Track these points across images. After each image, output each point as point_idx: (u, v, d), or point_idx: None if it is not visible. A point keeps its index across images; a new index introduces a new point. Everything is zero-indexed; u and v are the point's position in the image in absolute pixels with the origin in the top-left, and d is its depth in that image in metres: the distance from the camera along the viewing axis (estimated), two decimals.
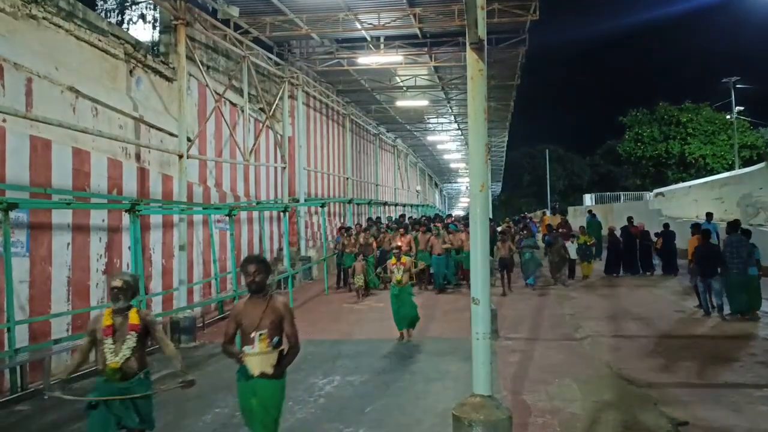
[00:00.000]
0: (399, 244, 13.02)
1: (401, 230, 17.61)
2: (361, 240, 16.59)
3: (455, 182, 70.60)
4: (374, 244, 16.71)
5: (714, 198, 23.43)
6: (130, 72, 11.66)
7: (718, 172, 31.86)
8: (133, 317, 4.89)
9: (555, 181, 60.59)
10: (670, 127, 41.35)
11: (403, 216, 27.10)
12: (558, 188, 62.16)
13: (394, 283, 10.69)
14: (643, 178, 43.33)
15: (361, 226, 19.04)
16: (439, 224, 19.04)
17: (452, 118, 31.13)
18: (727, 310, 11.60)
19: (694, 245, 12.60)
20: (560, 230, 19.29)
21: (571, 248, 17.43)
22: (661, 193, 30.41)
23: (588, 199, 41.85)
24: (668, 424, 6.36)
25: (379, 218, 23.31)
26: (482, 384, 5.05)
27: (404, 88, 24.12)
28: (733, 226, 12.16)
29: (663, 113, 42.01)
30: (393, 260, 10.78)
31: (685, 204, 26.11)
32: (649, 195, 34.47)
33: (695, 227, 13.58)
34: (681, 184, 30.43)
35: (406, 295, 10.73)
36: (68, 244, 9.44)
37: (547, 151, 58.06)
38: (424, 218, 24.39)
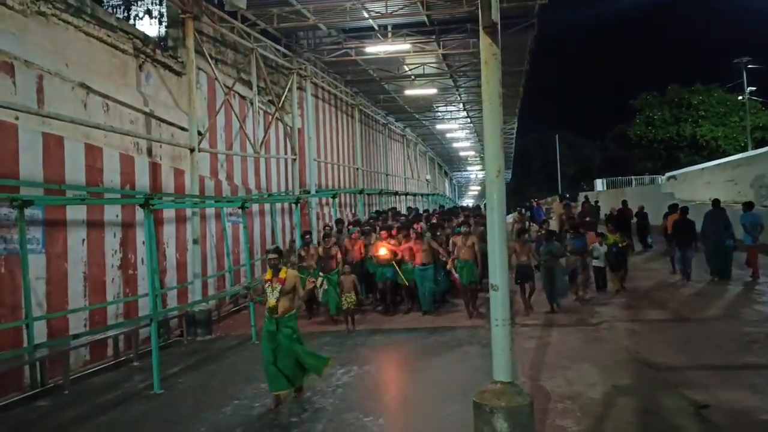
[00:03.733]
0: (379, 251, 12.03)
1: (384, 232, 13.18)
2: (320, 252, 12.24)
3: (465, 171, 70.35)
4: (338, 256, 12.10)
5: (727, 180, 23.20)
6: (140, 67, 11.65)
7: (731, 154, 31.54)
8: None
9: (565, 167, 60.24)
10: (681, 110, 41.02)
11: (411, 210, 22.06)
12: (569, 174, 61.81)
13: (267, 312, 7.19)
14: (654, 162, 43.04)
15: (331, 227, 14.20)
16: (419, 225, 14.24)
17: (461, 106, 30.95)
18: (707, 275, 13.63)
19: (673, 221, 14.48)
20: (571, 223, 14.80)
21: (598, 253, 12.69)
22: (674, 177, 30.17)
23: (599, 184, 41.62)
24: (689, 407, 6.31)
25: (394, 209, 21.91)
26: (503, 370, 5.04)
27: (412, 77, 24.00)
28: (714, 203, 14.27)
29: (674, 96, 41.66)
30: (267, 273, 7.31)
31: (697, 187, 25.88)
32: (661, 178, 34.23)
33: (672, 206, 15.92)
34: (693, 167, 30.15)
35: (285, 333, 7.08)
36: (83, 240, 9.48)
37: (557, 136, 57.71)
38: (436, 212, 20.97)
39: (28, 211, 8.07)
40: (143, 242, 10.45)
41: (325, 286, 11.87)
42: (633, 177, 39.60)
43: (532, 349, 9.05)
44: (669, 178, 30.78)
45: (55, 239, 8.91)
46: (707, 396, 6.56)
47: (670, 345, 8.88)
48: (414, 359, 9.06)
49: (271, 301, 7.11)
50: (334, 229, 14.12)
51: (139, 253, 10.76)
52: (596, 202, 22.09)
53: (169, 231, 11.96)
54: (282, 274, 7.13)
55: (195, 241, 12.20)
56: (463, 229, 12.08)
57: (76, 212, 9.33)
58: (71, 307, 9.08)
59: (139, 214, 10.25)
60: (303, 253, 12.44)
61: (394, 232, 13.10)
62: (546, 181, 65.29)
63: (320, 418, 6.64)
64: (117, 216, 10.31)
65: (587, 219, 17.50)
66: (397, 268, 12.19)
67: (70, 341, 8.58)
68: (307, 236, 12.94)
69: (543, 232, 13.00)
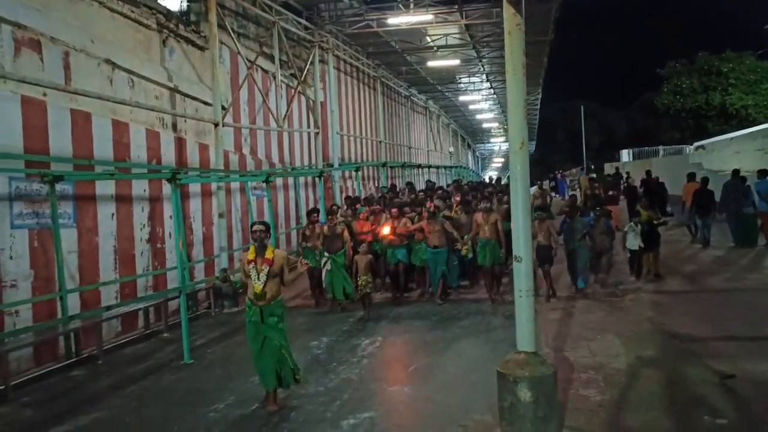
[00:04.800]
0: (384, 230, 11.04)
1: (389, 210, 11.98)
2: (325, 230, 11.09)
3: (488, 143, 69.72)
4: (344, 234, 11.05)
5: (756, 149, 22.71)
6: (163, 42, 11.71)
7: (761, 123, 30.78)
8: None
9: (590, 138, 59.37)
10: (710, 78, 39.96)
11: (430, 183, 20.91)
12: (593, 145, 60.96)
13: (251, 299, 6.19)
14: (682, 132, 42.17)
15: (337, 207, 13.07)
16: (432, 204, 12.19)
17: (484, 77, 30.60)
18: (729, 242, 14.12)
19: (692, 190, 14.92)
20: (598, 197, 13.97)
21: (632, 233, 11.19)
22: (702, 146, 29.61)
23: (625, 154, 41.00)
24: (714, 378, 6.32)
25: (410, 183, 19.91)
26: (527, 340, 5.09)
27: (435, 48, 23.73)
28: (734, 172, 14.93)
29: (703, 63, 40.56)
30: (250, 252, 6.18)
31: (726, 156, 25.38)
32: (688, 148, 33.63)
33: (691, 175, 16.38)
34: (722, 136, 29.52)
35: (270, 323, 6.16)
36: (113, 214, 9.66)
37: (581, 107, 56.79)
38: (466, 185, 19.52)
39: (58, 187, 8.25)
40: (170, 216, 10.63)
41: (329, 267, 10.85)
42: (660, 147, 38.92)
43: (556, 320, 9.08)
44: (697, 147, 30.20)
45: (86, 213, 9.10)
46: (732, 367, 6.56)
47: (694, 316, 8.85)
48: (439, 330, 9.14)
49: (257, 285, 6.05)
50: (343, 207, 13.34)
51: (166, 227, 10.95)
52: (627, 173, 21.65)
53: (195, 205, 12.13)
54: (269, 254, 6.11)
55: (220, 215, 12.36)
56: (483, 205, 11.10)
57: (105, 187, 9.50)
58: (102, 280, 9.31)
59: (166, 188, 10.40)
60: (308, 233, 11.40)
61: (408, 210, 11.92)
62: (570, 152, 64.49)
63: (346, 388, 6.77)
64: (144, 191, 10.47)
65: (610, 193, 17.34)
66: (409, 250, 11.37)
67: (102, 313, 8.82)
68: (314, 215, 11.75)
69: (567, 208, 11.54)
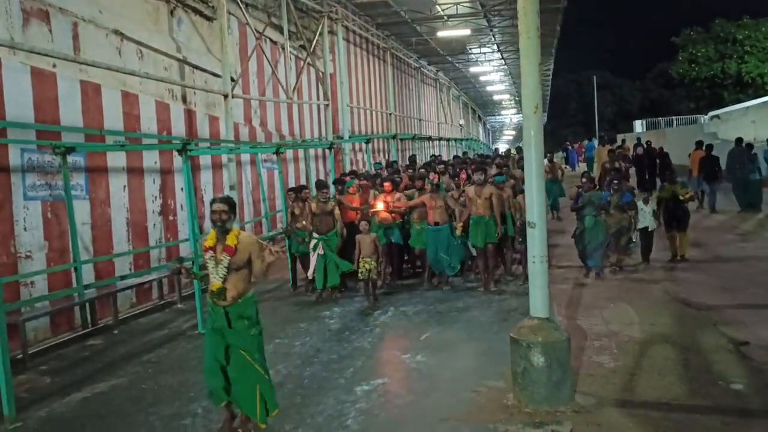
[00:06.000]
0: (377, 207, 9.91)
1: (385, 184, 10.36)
2: (314, 207, 9.57)
3: (499, 115, 69.17)
4: (336, 212, 9.68)
5: None
6: (171, 13, 11.62)
7: None
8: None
9: (603, 109, 58.71)
10: (726, 45, 39.31)
11: (434, 157, 19.57)
12: (606, 116, 60.31)
13: (211, 299, 4.85)
14: (697, 101, 41.66)
15: (326, 185, 10.25)
16: (435, 175, 11.54)
17: (495, 47, 30.18)
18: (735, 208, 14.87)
19: (698, 158, 15.78)
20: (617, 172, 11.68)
21: (644, 212, 10.18)
22: (717, 116, 29.20)
23: (638, 125, 40.57)
24: (729, 344, 6.30)
25: (414, 157, 18.57)
26: (540, 307, 5.08)
27: (445, 18, 23.39)
28: (737, 140, 15.53)
29: (719, 31, 39.85)
30: (209, 238, 4.87)
31: (742, 126, 25.00)
32: (703, 118, 33.18)
33: (699, 143, 16.89)
34: (738, 105, 29.12)
35: (239, 328, 4.79)
36: (124, 186, 9.69)
37: (594, 77, 56.08)
38: (474, 156, 18.72)
39: (70, 158, 8.26)
40: (181, 189, 10.64)
41: (321, 251, 9.39)
42: (674, 117, 38.44)
43: (568, 289, 9.06)
44: (712, 117, 29.80)
45: (98, 185, 9.12)
46: (747, 334, 6.54)
47: (708, 285, 8.80)
48: (451, 300, 9.16)
49: (216, 281, 4.70)
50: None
51: (177, 200, 10.97)
52: (648, 143, 21.16)
53: (206, 177, 12.13)
54: (230, 240, 4.72)
55: (231, 188, 12.36)
56: (475, 176, 9.55)
57: (117, 159, 9.50)
58: (116, 252, 9.37)
59: (177, 161, 10.41)
60: (296, 211, 10.08)
61: (405, 181, 10.92)
62: (583, 124, 63.87)
63: (359, 355, 6.81)
64: (155, 163, 10.48)
65: (616, 164, 16.86)
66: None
67: (117, 282, 8.89)
68: (305, 191, 10.40)
69: (583, 180, 10.16)
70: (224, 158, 12.45)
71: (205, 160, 12.04)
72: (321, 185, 9.94)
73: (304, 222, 9.77)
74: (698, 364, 5.86)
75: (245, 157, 13.54)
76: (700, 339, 6.55)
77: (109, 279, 8.85)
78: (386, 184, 10.24)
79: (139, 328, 8.71)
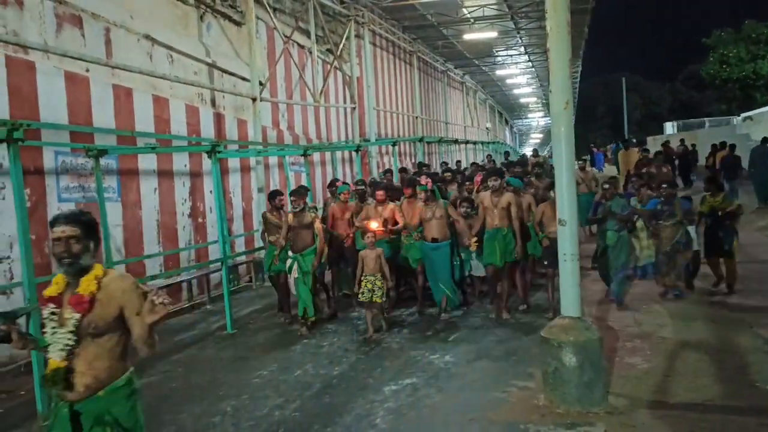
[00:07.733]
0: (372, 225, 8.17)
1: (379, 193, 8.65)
2: (290, 219, 7.92)
3: (526, 118, 68.63)
4: (316, 224, 7.99)
5: None
6: (201, 18, 11.77)
7: None
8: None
9: (631, 111, 57.91)
10: (758, 46, 38.54)
11: (445, 164, 17.25)
12: (635, 118, 59.47)
13: (48, 387, 2.99)
14: (728, 103, 40.89)
15: (302, 192, 8.21)
16: (428, 181, 8.38)
17: (522, 49, 29.98)
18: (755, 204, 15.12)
19: (721, 156, 16.56)
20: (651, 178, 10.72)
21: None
22: (750, 117, 28.65)
23: (669, 127, 39.97)
24: (765, 345, 6.15)
25: (422, 164, 15.84)
26: (572, 306, 5.01)
27: (471, 20, 23.34)
28: (763, 140, 15.88)
29: (750, 31, 39.10)
30: (51, 286, 3.01)
31: None
32: (736, 119, 32.55)
33: (722, 144, 17.62)
34: None
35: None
36: (155, 189, 9.82)
37: (623, 79, 55.36)
38: (490, 164, 16.49)
39: (103, 161, 8.39)
40: (210, 191, 10.75)
41: (295, 274, 7.87)
42: (706, 119, 37.77)
43: (599, 291, 8.92)
44: (745, 118, 29.24)
45: (130, 188, 9.26)
46: None
47: (742, 285, 8.58)
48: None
49: (54, 359, 2.90)
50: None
51: (207, 202, 11.08)
52: (681, 140, 21.19)
53: (234, 180, 12.24)
54: (85, 286, 2.92)
55: (260, 190, 12.45)
56: (491, 182, 8.12)
57: (148, 162, 9.64)
58: (147, 254, 9.49)
59: (206, 164, 10.52)
60: (274, 219, 8.65)
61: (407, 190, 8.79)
62: (611, 127, 63.01)
63: (387, 356, 6.80)
64: (185, 166, 10.60)
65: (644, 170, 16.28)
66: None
67: (147, 283, 8.98)
68: (279, 198, 8.80)
69: (607, 186, 8.57)
70: (252, 161, 12.55)
71: (233, 163, 12.15)
72: (296, 192, 8.20)
73: (277, 236, 8.28)
74: (733, 365, 5.73)
75: (273, 160, 13.63)
76: (734, 341, 6.41)
77: (140, 280, 8.95)
78: (378, 193, 8.62)
79: (169, 328, 8.79)
